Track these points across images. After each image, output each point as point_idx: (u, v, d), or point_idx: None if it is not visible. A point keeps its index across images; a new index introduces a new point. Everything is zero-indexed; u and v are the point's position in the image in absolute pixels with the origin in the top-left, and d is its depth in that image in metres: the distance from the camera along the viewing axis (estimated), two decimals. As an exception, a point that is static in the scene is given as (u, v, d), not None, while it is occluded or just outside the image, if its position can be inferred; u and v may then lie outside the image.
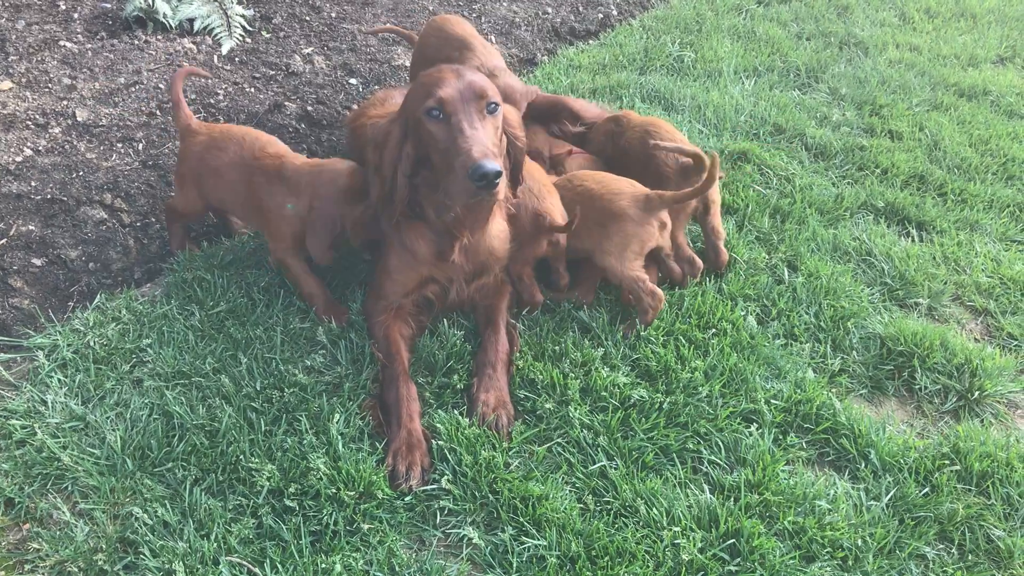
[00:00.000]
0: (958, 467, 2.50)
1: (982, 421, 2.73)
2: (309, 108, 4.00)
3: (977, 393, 2.78)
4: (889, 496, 2.40)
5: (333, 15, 4.86)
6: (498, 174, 2.32)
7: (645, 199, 2.88)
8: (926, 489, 2.43)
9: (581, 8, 5.34)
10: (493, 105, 2.50)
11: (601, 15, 5.32)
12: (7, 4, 4.41)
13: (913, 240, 3.52)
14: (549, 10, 5.24)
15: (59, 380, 2.59)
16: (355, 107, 3.92)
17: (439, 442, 2.43)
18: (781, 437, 2.58)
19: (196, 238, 3.24)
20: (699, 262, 3.10)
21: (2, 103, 3.71)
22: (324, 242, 2.76)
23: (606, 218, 2.88)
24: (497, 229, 2.79)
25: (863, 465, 2.51)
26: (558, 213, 2.89)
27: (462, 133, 2.40)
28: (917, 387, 2.82)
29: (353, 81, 4.28)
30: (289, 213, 2.80)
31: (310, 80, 4.23)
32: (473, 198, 2.42)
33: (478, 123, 2.43)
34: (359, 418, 2.49)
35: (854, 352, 2.92)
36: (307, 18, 4.78)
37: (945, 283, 3.27)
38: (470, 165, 2.33)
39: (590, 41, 5.03)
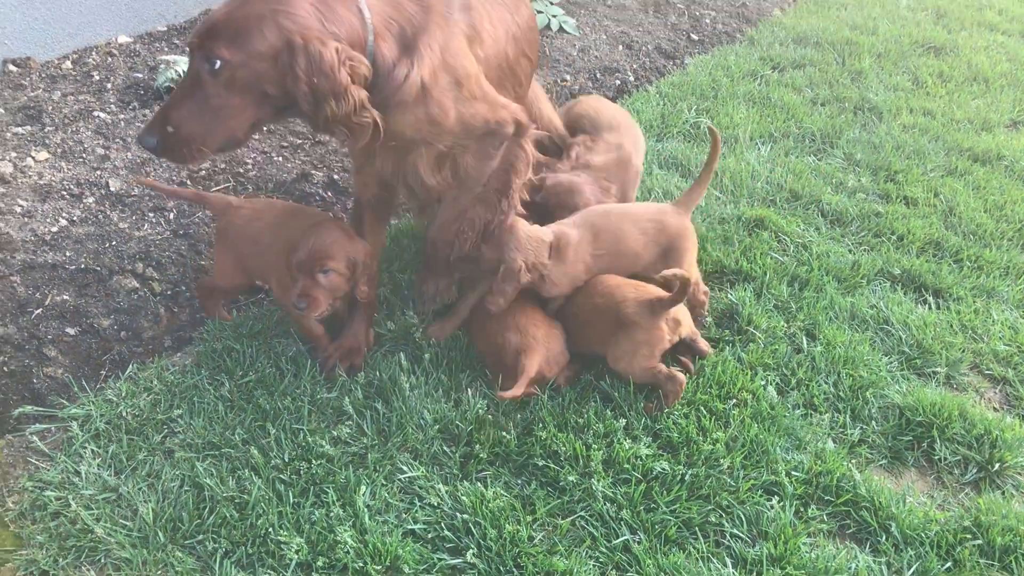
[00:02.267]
0: (980, 541, 2.51)
1: (1003, 493, 2.75)
2: (335, 176, 4.10)
3: (997, 465, 2.80)
4: (911, 570, 2.42)
5: (357, 83, 5.00)
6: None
7: (649, 305, 2.86)
8: (948, 563, 2.44)
9: (599, 75, 5.45)
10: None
11: (618, 81, 5.44)
12: (44, 75, 4.56)
13: (930, 307, 3.56)
14: (568, 78, 5.35)
15: (92, 451, 2.65)
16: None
17: (463, 515, 2.46)
18: (802, 509, 2.60)
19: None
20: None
21: (39, 173, 3.82)
22: None
23: (615, 326, 2.91)
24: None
25: (884, 538, 2.53)
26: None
27: None
28: (936, 458, 2.84)
29: (377, 149, 4.38)
30: None
31: (336, 148, 4.34)
32: None
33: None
34: (384, 490, 2.54)
35: (873, 422, 2.94)
36: (332, 87, 4.91)
37: (963, 351, 3.30)
38: None
39: (608, 107, 5.14)
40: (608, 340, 2.93)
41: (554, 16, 5.87)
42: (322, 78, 2.30)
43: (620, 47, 5.88)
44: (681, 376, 2.87)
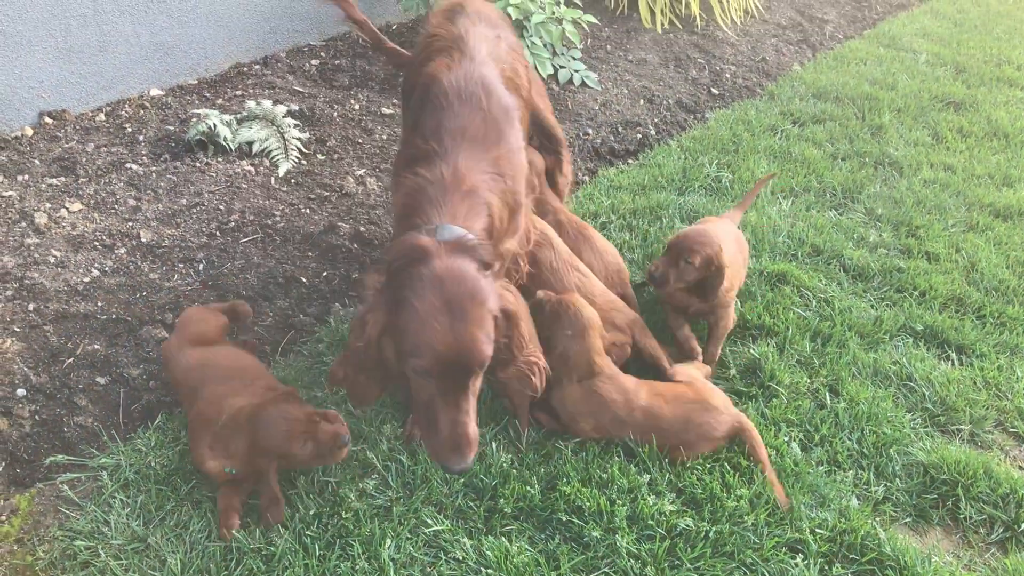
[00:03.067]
0: (1007, 603, 2.50)
1: (1030, 554, 2.73)
2: (361, 228, 4.17)
3: (1024, 525, 2.78)
4: (938, 633, 2.40)
5: (384, 137, 5.08)
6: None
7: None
8: (975, 626, 2.42)
9: (620, 129, 5.53)
10: None
11: (640, 135, 5.51)
12: (78, 127, 4.68)
13: (953, 364, 3.56)
14: (590, 131, 5.43)
15: (122, 500, 2.68)
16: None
17: (488, 570, 2.47)
18: (827, 568, 2.59)
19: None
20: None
21: (72, 224, 3.91)
22: None
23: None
24: None
25: (910, 598, 2.52)
26: None
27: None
28: (962, 516, 2.83)
29: (402, 201, 4.45)
30: None
31: (362, 201, 4.42)
32: None
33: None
34: (410, 543, 2.55)
35: (897, 480, 2.94)
36: (359, 140, 5.00)
37: (987, 408, 3.30)
38: None
39: (629, 161, 5.20)
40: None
41: (576, 71, 5.97)
42: (513, 331, 2.62)
43: (641, 101, 5.97)
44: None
